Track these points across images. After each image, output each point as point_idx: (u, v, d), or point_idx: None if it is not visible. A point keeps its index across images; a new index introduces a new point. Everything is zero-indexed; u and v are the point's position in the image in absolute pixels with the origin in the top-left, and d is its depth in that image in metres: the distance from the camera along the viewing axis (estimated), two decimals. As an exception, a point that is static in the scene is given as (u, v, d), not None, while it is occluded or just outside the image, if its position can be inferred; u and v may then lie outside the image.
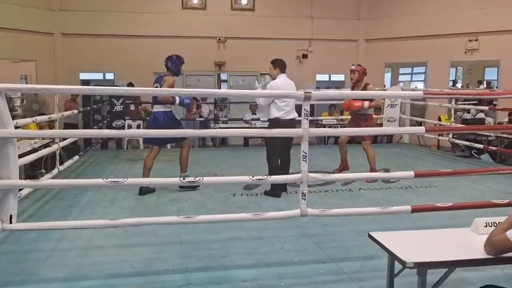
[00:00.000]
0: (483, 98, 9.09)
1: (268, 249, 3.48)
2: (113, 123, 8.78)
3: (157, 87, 5.14)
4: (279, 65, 5.17)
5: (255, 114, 10.27)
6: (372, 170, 5.80)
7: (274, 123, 4.99)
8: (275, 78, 5.13)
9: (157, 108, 5.19)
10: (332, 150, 8.86)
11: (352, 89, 6.07)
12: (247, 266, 3.19)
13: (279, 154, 5.09)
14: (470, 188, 5.43)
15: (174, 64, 5.26)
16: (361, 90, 5.80)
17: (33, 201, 4.70)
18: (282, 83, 5.04)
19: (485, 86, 12.79)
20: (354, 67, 6.01)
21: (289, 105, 5.04)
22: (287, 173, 5.04)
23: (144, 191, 5.08)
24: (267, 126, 5.43)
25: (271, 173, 4.97)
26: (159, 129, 4.76)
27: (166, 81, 5.12)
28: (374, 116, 10.24)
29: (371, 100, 5.77)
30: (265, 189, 5.10)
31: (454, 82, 13.52)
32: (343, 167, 6.22)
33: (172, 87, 5.10)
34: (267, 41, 11.59)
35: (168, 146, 9.82)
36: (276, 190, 5.02)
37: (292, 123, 5.02)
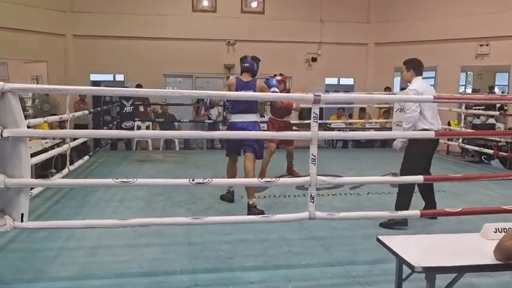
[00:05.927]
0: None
1: (276, 252, 3.48)
2: (123, 124, 8.82)
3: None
4: (412, 66, 4.20)
5: (263, 117, 10.27)
6: (291, 166, 6.29)
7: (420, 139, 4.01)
8: (410, 82, 4.29)
9: (252, 118, 4.61)
10: (340, 153, 8.88)
11: None
12: (254, 268, 3.19)
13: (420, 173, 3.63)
14: (480, 193, 5.38)
15: (258, 65, 4.71)
16: None
17: (43, 200, 4.74)
18: (423, 88, 4.11)
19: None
20: (280, 77, 5.73)
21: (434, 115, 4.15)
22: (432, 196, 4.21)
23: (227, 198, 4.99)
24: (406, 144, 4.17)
25: (401, 206, 3.87)
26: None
27: (263, 88, 4.57)
28: (382, 121, 10.24)
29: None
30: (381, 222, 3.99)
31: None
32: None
33: None
34: (277, 44, 11.60)
35: (182, 148, 9.91)
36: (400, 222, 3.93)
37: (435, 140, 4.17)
